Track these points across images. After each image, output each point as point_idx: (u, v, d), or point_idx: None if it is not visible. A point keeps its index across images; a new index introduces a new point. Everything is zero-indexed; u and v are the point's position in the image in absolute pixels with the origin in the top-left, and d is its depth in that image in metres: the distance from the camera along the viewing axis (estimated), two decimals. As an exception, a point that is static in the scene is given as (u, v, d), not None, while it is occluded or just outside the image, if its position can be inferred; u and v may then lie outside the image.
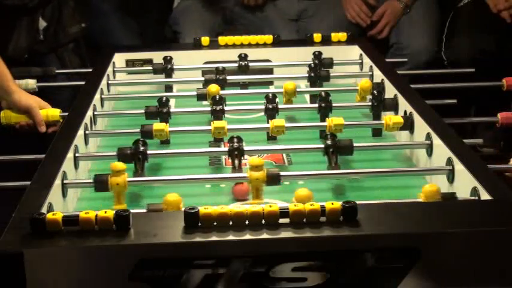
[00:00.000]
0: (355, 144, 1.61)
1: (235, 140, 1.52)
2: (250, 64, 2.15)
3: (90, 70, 2.14)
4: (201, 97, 1.90)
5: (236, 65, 2.14)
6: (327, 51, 2.22)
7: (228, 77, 2.04)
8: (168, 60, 2.16)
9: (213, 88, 1.87)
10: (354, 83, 2.05)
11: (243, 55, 2.16)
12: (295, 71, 2.20)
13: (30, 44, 2.43)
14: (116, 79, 2.15)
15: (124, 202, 1.37)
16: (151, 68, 2.21)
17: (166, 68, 2.14)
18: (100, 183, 1.37)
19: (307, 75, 2.05)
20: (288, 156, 1.67)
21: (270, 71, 2.23)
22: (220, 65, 2.06)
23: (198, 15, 3.03)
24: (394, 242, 1.09)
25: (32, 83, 2.10)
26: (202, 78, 2.12)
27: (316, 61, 2.13)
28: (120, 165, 1.36)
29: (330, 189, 1.48)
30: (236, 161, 1.50)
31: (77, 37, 2.62)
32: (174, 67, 2.16)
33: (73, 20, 2.59)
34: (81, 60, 2.61)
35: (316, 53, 2.17)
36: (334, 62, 2.16)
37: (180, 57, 2.20)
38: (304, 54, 2.25)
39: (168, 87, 2.14)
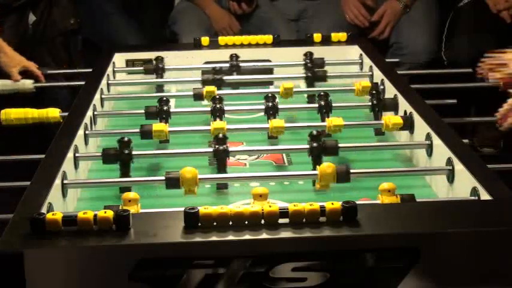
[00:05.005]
0: (355, 144, 1.61)
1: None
2: (250, 64, 2.15)
3: (91, 70, 2.14)
4: (197, 97, 1.90)
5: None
6: (327, 51, 2.22)
7: (226, 77, 2.04)
8: (160, 60, 2.18)
9: (210, 88, 1.87)
10: (351, 83, 2.05)
11: (234, 55, 2.17)
12: (295, 71, 2.20)
13: (19, 38, 2.43)
14: (116, 79, 2.15)
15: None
16: (151, 67, 2.22)
17: (158, 68, 2.15)
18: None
19: (304, 75, 2.06)
20: (288, 156, 1.67)
21: (270, 71, 2.23)
22: (218, 65, 2.06)
23: (196, 16, 3.04)
24: (393, 242, 1.09)
25: (28, 83, 2.12)
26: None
27: (308, 61, 2.14)
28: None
29: (330, 189, 1.48)
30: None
31: (65, 32, 2.62)
32: (166, 67, 2.17)
33: (63, 15, 2.59)
34: (69, 55, 2.62)
35: (308, 53, 2.20)
36: (335, 62, 2.17)
37: (180, 57, 2.20)
38: (304, 55, 2.25)
39: (159, 88, 2.14)
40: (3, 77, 2.16)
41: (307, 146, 1.52)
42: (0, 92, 2.12)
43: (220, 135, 1.52)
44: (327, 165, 1.38)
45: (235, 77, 2.12)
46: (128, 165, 1.50)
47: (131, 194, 1.26)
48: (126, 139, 1.51)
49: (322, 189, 1.40)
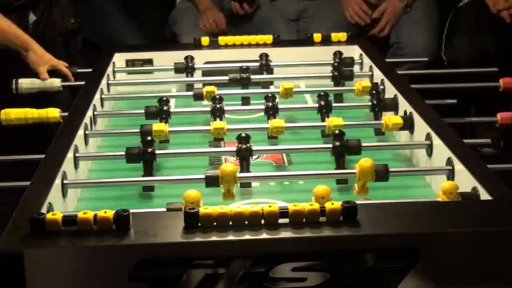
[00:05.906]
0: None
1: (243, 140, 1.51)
2: (250, 64, 2.15)
3: (91, 70, 2.14)
4: (197, 97, 1.90)
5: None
6: (327, 51, 2.22)
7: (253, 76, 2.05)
8: (190, 59, 2.17)
9: (210, 88, 1.87)
10: (351, 83, 2.05)
11: (263, 54, 2.18)
12: (295, 71, 2.20)
13: None
14: (116, 79, 2.15)
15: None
16: (151, 67, 2.22)
17: (188, 67, 2.15)
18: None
19: (330, 74, 2.06)
20: (288, 156, 1.67)
21: (270, 71, 2.23)
22: (244, 64, 2.07)
23: (196, 16, 3.04)
24: (394, 242, 1.09)
25: (56, 82, 2.13)
26: (202, 78, 2.13)
27: (337, 60, 2.13)
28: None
29: (330, 189, 1.48)
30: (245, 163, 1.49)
31: (65, 32, 2.63)
32: (196, 66, 2.17)
33: (63, 15, 2.60)
34: (69, 55, 2.62)
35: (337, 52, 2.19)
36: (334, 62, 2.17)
37: (180, 57, 2.20)
38: (304, 54, 2.25)
39: (190, 86, 2.12)
40: (32, 76, 2.16)
41: (330, 146, 1.52)
42: (27, 91, 2.12)
43: (243, 134, 1.52)
44: (365, 160, 1.36)
45: (262, 76, 2.13)
46: (151, 164, 1.50)
47: (193, 193, 1.23)
48: (149, 138, 1.51)
49: (361, 193, 1.37)
